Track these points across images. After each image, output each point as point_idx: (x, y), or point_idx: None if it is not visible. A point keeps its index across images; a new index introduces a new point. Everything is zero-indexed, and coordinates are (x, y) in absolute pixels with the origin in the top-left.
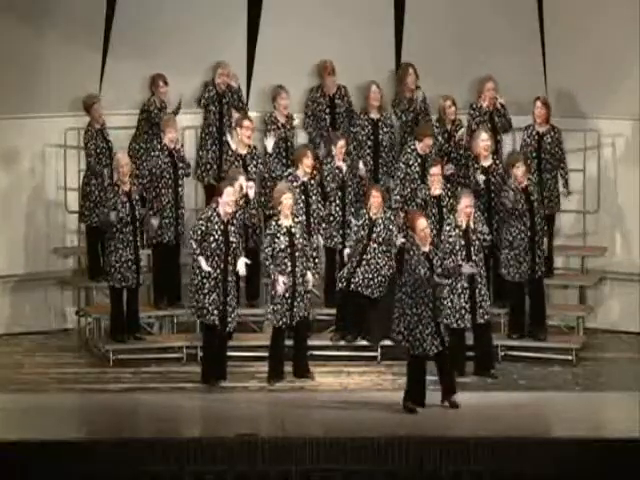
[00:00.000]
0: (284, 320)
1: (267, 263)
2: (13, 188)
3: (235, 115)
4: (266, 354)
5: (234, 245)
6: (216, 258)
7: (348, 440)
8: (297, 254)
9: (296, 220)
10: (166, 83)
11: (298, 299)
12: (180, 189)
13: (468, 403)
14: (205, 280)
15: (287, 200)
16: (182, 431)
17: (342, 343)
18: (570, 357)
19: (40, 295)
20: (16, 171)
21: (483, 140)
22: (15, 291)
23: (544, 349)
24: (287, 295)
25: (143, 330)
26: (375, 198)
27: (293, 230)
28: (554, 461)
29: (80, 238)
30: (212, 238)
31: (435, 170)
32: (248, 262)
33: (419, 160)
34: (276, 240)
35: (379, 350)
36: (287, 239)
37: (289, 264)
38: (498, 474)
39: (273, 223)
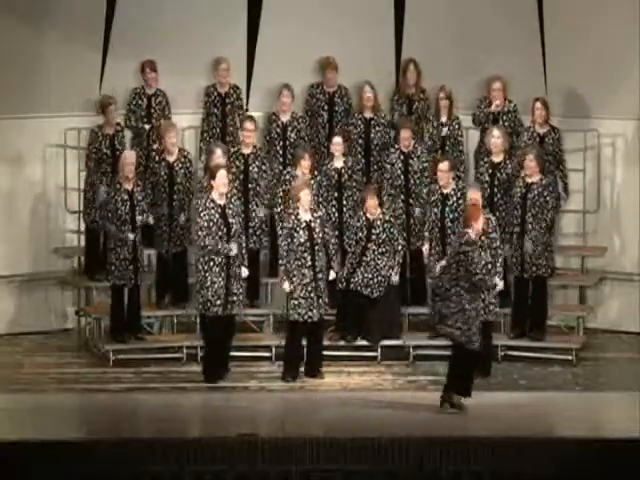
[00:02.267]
0: (308, 314)
1: (281, 262)
2: (13, 188)
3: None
4: (267, 354)
5: (234, 227)
6: (219, 241)
7: (348, 440)
8: (317, 248)
9: (315, 215)
10: (154, 70)
11: (321, 295)
12: (175, 203)
13: (468, 403)
14: (207, 274)
15: (305, 195)
16: (182, 431)
17: (342, 343)
18: (570, 357)
19: (40, 295)
20: (16, 171)
21: (494, 136)
22: (15, 291)
23: (544, 349)
24: (309, 289)
25: (143, 330)
26: (369, 202)
27: (312, 225)
28: (554, 461)
29: (80, 238)
30: (211, 222)
31: (442, 166)
32: (234, 251)
33: (402, 157)
34: (295, 234)
35: (379, 350)
36: (306, 233)
37: (309, 258)
38: (498, 474)
39: (292, 217)
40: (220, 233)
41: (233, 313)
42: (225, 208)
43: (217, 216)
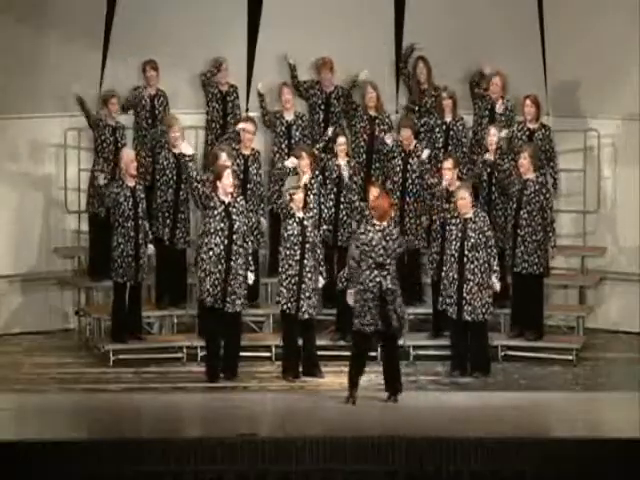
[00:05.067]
0: (290, 306)
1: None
2: (13, 188)
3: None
4: (267, 354)
5: (237, 224)
6: (219, 233)
7: (348, 440)
8: (307, 246)
9: (308, 215)
10: (153, 68)
11: (306, 293)
12: (182, 192)
13: (468, 403)
14: (206, 265)
15: (297, 195)
16: (182, 431)
17: (342, 343)
18: (570, 357)
19: (40, 295)
20: (16, 171)
21: (490, 135)
22: (15, 291)
23: (544, 349)
24: (293, 282)
25: (143, 330)
26: (372, 193)
27: (305, 223)
28: (554, 461)
29: (80, 238)
30: (215, 211)
31: (447, 164)
32: (252, 277)
33: (403, 154)
34: (288, 227)
35: (379, 350)
36: (299, 228)
37: (298, 252)
38: (498, 474)
39: (286, 210)
40: (222, 225)
41: (231, 311)
42: (229, 206)
43: (221, 210)
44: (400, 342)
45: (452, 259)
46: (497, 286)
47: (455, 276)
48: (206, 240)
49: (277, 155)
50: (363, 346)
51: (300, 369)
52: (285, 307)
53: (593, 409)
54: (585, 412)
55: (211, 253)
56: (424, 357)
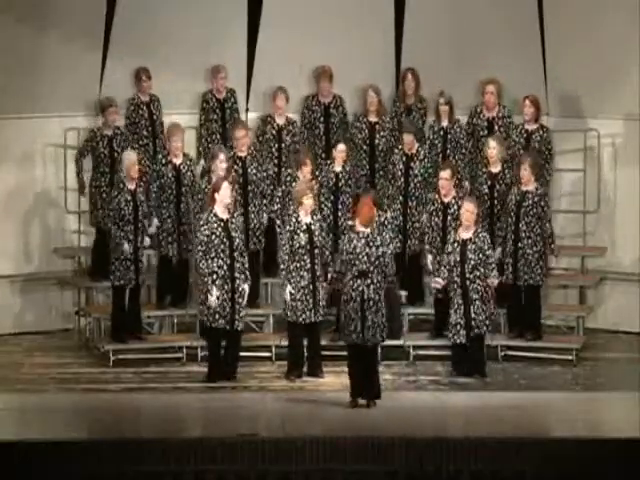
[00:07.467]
0: (305, 316)
1: (282, 266)
2: (13, 188)
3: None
4: (267, 354)
5: (237, 241)
6: (221, 255)
7: (348, 440)
8: (316, 251)
9: (315, 218)
10: (149, 77)
11: (319, 297)
12: (182, 205)
13: (468, 403)
14: (214, 285)
15: (308, 199)
16: (182, 431)
17: (342, 343)
18: (570, 357)
19: (40, 295)
20: (16, 171)
21: (490, 147)
22: (15, 291)
23: (544, 349)
24: (307, 292)
25: (143, 330)
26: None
27: (312, 227)
28: (554, 461)
29: (80, 238)
30: (214, 236)
31: (443, 174)
32: (247, 290)
33: (404, 159)
34: (295, 237)
35: (379, 350)
36: (307, 236)
37: (308, 261)
38: (498, 474)
39: (293, 220)
40: (222, 246)
41: (240, 328)
42: (228, 222)
43: (220, 230)
44: (400, 342)
45: (454, 286)
46: (495, 281)
47: (460, 301)
48: (208, 263)
49: (267, 159)
50: (354, 356)
51: (304, 369)
52: (302, 319)
53: (593, 409)
54: (585, 412)
55: (215, 276)
56: (424, 357)
